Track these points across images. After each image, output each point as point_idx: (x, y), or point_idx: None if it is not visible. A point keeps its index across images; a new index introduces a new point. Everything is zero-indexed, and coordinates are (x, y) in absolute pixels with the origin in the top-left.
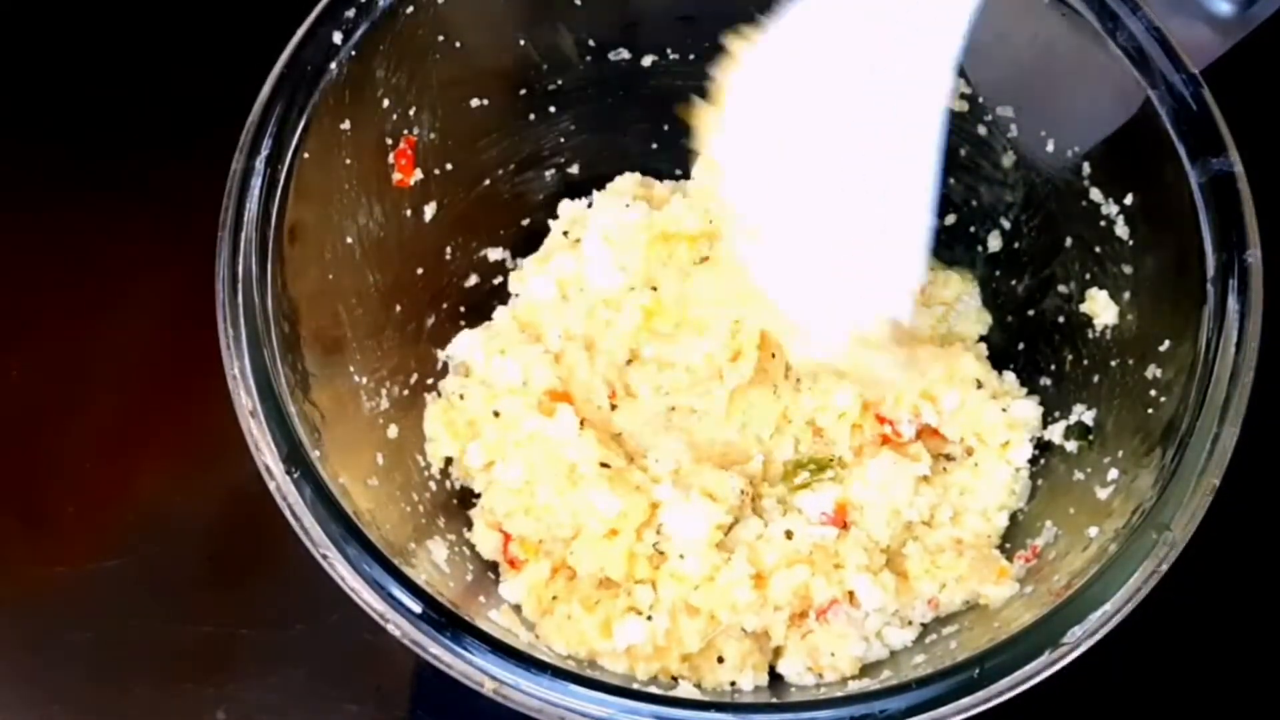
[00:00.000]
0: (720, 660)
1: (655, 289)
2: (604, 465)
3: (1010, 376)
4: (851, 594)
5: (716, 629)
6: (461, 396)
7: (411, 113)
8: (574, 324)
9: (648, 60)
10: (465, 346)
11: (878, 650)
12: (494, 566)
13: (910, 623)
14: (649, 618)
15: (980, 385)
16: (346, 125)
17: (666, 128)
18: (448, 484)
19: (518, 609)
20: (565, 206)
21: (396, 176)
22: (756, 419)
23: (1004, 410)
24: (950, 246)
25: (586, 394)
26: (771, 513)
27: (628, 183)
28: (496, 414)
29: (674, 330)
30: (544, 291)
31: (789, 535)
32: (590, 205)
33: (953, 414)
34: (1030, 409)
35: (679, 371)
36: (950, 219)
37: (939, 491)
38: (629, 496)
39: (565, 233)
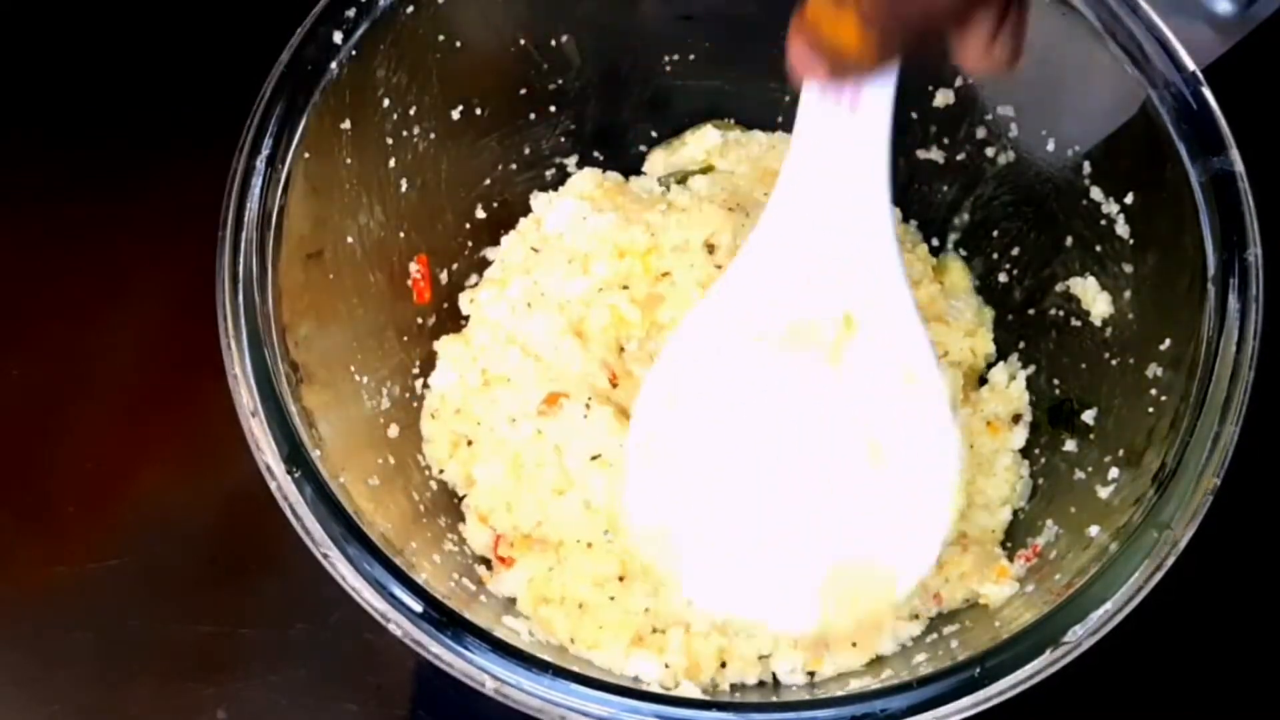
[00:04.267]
0: (723, 665)
1: (626, 287)
2: (594, 457)
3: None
4: None
5: (729, 654)
6: (434, 416)
7: (412, 112)
8: (553, 322)
9: (648, 60)
10: (445, 364)
11: (888, 644)
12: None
13: (916, 616)
14: (666, 665)
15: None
16: (346, 125)
17: (667, 128)
18: (448, 483)
19: (512, 602)
20: (537, 200)
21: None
22: None
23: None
24: (957, 246)
25: (585, 380)
26: None
27: (585, 181)
28: (479, 423)
29: (649, 331)
30: (496, 312)
31: None
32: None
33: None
34: (1016, 388)
35: None
36: (962, 218)
37: None
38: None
39: (534, 249)
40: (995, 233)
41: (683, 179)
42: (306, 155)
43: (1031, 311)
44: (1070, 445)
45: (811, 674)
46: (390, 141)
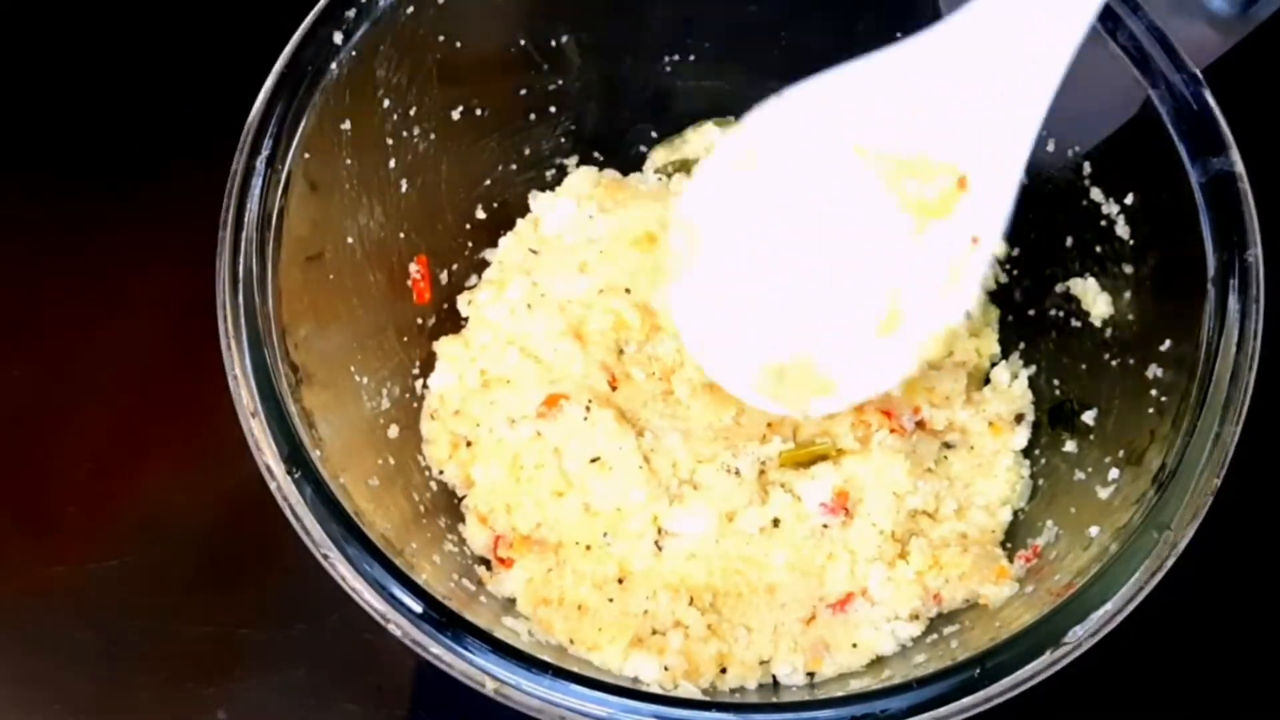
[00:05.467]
0: (723, 671)
1: (629, 290)
2: (594, 460)
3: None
4: (865, 589)
5: (729, 660)
6: (433, 417)
7: (412, 113)
8: (553, 323)
9: (648, 60)
10: (444, 365)
11: (888, 644)
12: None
13: (917, 617)
14: (665, 666)
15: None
16: (346, 125)
17: (667, 128)
18: (448, 484)
19: (512, 603)
20: (536, 200)
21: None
22: (750, 411)
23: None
24: None
25: (584, 382)
26: (776, 500)
27: (582, 180)
28: (478, 424)
29: (648, 334)
30: (495, 314)
31: (776, 523)
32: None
33: (946, 399)
34: (1019, 386)
35: (667, 361)
36: None
37: (942, 482)
38: (627, 494)
39: (532, 251)
40: None
41: (683, 167)
42: (306, 155)
43: (1032, 312)
44: (1070, 446)
45: (811, 675)
46: (390, 141)
